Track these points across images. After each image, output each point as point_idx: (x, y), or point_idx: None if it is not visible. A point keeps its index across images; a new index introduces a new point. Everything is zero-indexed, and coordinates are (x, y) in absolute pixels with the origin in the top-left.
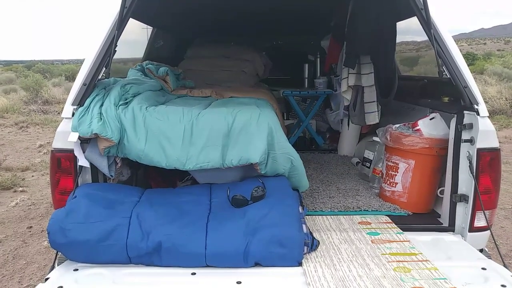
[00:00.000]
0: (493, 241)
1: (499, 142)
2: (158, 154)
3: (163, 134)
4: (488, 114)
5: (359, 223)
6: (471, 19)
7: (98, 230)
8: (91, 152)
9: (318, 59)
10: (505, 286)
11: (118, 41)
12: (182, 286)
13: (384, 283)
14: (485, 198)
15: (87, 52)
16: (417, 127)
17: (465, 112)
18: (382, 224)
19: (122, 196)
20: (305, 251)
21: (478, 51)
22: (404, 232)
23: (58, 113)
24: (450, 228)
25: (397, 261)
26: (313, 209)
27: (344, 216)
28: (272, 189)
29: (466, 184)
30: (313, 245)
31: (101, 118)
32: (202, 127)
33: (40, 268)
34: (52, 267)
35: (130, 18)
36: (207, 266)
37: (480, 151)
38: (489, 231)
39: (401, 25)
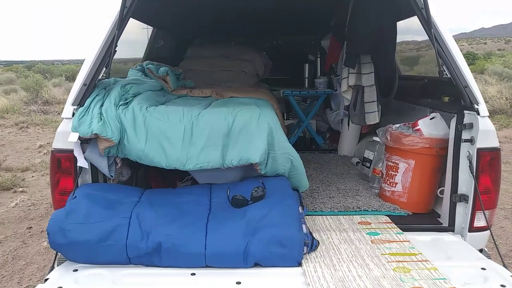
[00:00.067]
0: (492, 241)
1: (499, 142)
2: (158, 154)
3: (163, 134)
4: (488, 114)
5: (359, 223)
6: (471, 18)
7: (98, 231)
8: (91, 152)
9: (319, 58)
10: (504, 286)
11: (119, 41)
12: (182, 286)
13: (383, 283)
14: (485, 198)
15: (87, 52)
16: (417, 127)
17: (465, 111)
18: (382, 224)
19: (122, 197)
20: (305, 251)
21: (479, 51)
22: (404, 232)
23: (58, 113)
24: (450, 228)
25: (396, 261)
26: (313, 209)
27: (344, 216)
28: (272, 189)
29: (466, 184)
30: (313, 245)
31: (101, 118)
32: (202, 127)
33: (39, 269)
34: (52, 268)
35: (130, 18)
36: (207, 266)
37: (480, 151)
38: (488, 231)
39: (401, 24)
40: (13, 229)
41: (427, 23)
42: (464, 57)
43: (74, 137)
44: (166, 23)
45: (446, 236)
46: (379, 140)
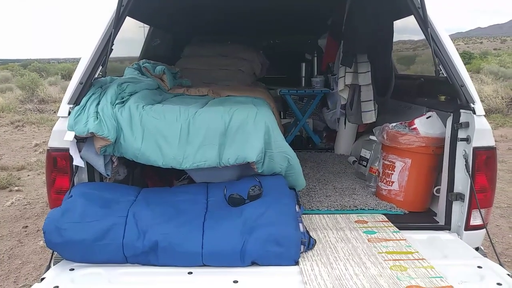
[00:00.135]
0: (489, 240)
1: (495, 141)
2: (155, 153)
3: (159, 133)
4: (484, 113)
5: (355, 221)
6: (467, 18)
7: (94, 230)
8: (87, 151)
9: (315, 58)
10: (500, 284)
11: (115, 39)
12: (179, 285)
13: (380, 281)
14: (481, 197)
15: (84, 50)
16: (414, 126)
17: (461, 111)
18: (378, 223)
19: (119, 195)
20: (302, 250)
21: (475, 50)
22: (400, 231)
23: (54, 112)
24: (446, 226)
25: (393, 260)
26: (309, 208)
27: (341, 215)
28: (269, 188)
29: (462, 183)
30: (309, 244)
31: (97, 117)
32: (198, 126)
33: (35, 268)
34: (48, 267)
35: (127, 17)
36: (204, 265)
37: (476, 149)
38: (485, 229)
39: (398, 24)
40: (9, 228)
41: (424, 23)
42: (460, 57)
43: (70, 136)
44: (162, 22)
45: (443, 235)
46: (376, 139)
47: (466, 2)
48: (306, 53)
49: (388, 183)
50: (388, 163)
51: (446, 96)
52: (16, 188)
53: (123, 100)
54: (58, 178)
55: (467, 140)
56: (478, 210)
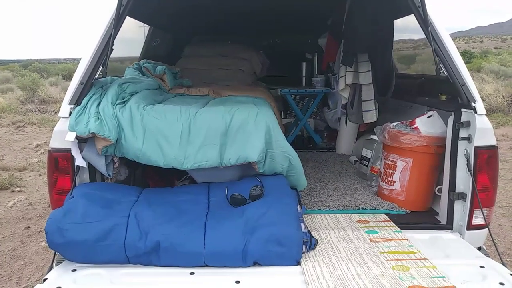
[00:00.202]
0: (491, 239)
1: (496, 140)
2: (156, 153)
3: (160, 133)
4: (485, 112)
5: (357, 221)
6: (468, 17)
7: (96, 230)
8: (88, 151)
9: (316, 57)
10: (503, 284)
11: (115, 39)
12: (181, 285)
13: (382, 281)
14: (483, 196)
15: (84, 51)
16: (415, 125)
17: (462, 110)
18: (380, 223)
19: (120, 196)
20: (304, 250)
21: (475, 49)
22: (402, 231)
23: (55, 112)
24: (448, 226)
25: (395, 260)
26: (311, 207)
27: (343, 215)
28: (270, 188)
29: (463, 182)
30: (311, 243)
31: (98, 117)
32: (199, 126)
33: (38, 269)
34: (50, 268)
35: (127, 17)
36: (206, 265)
37: (477, 149)
38: (487, 229)
39: (398, 23)
40: (11, 229)
41: (424, 22)
42: (461, 56)
43: (71, 136)
44: (163, 22)
45: (445, 234)
46: (377, 139)
47: (466, 1)
48: (307, 52)
49: (389, 182)
50: (390, 162)
51: (447, 95)
52: (18, 188)
53: (124, 100)
54: (59, 179)
55: (469, 139)
56: (480, 209)
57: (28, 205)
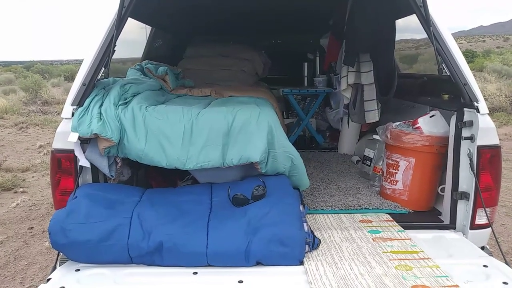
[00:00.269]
0: (494, 239)
1: (499, 140)
2: (158, 154)
3: (163, 134)
4: (488, 111)
5: (360, 221)
6: (470, 16)
7: (99, 230)
8: (91, 152)
9: (318, 57)
10: (507, 283)
11: (117, 41)
12: (184, 285)
13: (385, 281)
14: (486, 196)
15: (86, 52)
16: (417, 125)
17: (465, 109)
18: (383, 222)
19: (123, 196)
20: (306, 249)
21: (477, 49)
22: (405, 230)
23: (58, 113)
24: (451, 225)
25: (398, 259)
26: (314, 207)
27: (345, 215)
28: (273, 188)
29: (466, 182)
30: (314, 243)
31: (100, 118)
32: (202, 126)
33: (41, 269)
34: (54, 268)
35: (129, 18)
36: (209, 265)
37: (480, 148)
38: (490, 228)
39: (400, 22)
40: (14, 230)
41: (426, 21)
42: (463, 55)
43: (74, 137)
44: (164, 23)
45: (448, 234)
46: (379, 138)
47: (468, 0)
48: (308, 52)
49: (392, 182)
50: (392, 162)
51: (450, 95)
52: (21, 189)
53: (126, 101)
54: (62, 179)
55: (471, 138)
56: (483, 209)
57: (31, 206)
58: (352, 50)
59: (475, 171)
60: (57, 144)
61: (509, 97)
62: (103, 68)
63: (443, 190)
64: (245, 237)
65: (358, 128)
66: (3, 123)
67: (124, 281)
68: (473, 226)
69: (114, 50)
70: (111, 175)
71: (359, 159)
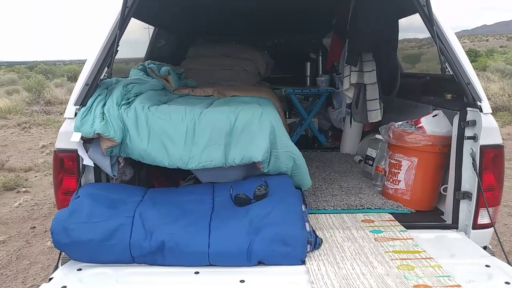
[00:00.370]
0: (496, 238)
1: (502, 139)
2: (161, 154)
3: (165, 134)
4: (491, 111)
5: (362, 221)
6: (473, 15)
7: (101, 230)
8: (93, 152)
9: (320, 57)
10: (509, 283)
11: (120, 41)
12: (186, 285)
13: (387, 281)
14: (489, 195)
15: (89, 52)
16: (420, 125)
17: (468, 109)
18: (385, 222)
19: (125, 196)
20: (308, 249)
21: (481, 48)
22: (407, 230)
23: (61, 113)
24: (454, 225)
25: (400, 259)
26: (316, 207)
27: (347, 214)
28: (275, 188)
29: (469, 181)
30: (316, 243)
31: (103, 118)
32: (204, 126)
33: (43, 268)
34: (56, 267)
35: (132, 18)
36: (211, 265)
37: (483, 148)
38: (492, 228)
39: (403, 22)
40: (16, 229)
41: (429, 21)
42: (466, 54)
43: (76, 137)
44: (167, 23)
45: (450, 234)
46: (382, 138)
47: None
48: (311, 52)
49: (394, 182)
50: (395, 162)
51: (453, 94)
52: (24, 189)
53: (128, 101)
54: (65, 179)
55: (474, 138)
56: (485, 208)
57: (33, 205)
58: (354, 50)
59: (478, 171)
60: (60, 144)
61: None
62: (106, 68)
63: (445, 189)
64: (247, 236)
65: (361, 127)
66: (6, 123)
67: (126, 281)
68: (476, 226)
69: (117, 50)
70: (114, 175)
71: (362, 158)
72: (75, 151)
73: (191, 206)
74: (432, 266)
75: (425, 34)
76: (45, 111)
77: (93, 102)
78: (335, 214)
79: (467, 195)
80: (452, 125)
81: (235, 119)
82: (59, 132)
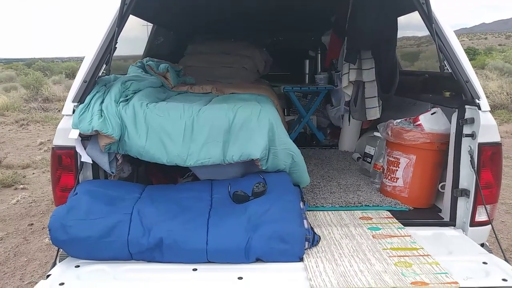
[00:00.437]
0: (494, 236)
1: (500, 137)
2: (159, 151)
3: (163, 131)
4: (489, 109)
5: (360, 218)
6: (472, 13)
7: (99, 227)
8: (92, 149)
9: (319, 54)
10: (506, 280)
11: (118, 38)
12: (184, 282)
13: (385, 278)
14: (486, 193)
15: (88, 49)
16: (418, 122)
17: (466, 106)
18: (383, 219)
19: (123, 193)
20: (306, 246)
21: (479, 46)
22: (405, 227)
23: (59, 110)
24: (451, 222)
25: (398, 256)
26: (314, 204)
27: (345, 212)
28: (273, 185)
29: (467, 179)
30: (314, 240)
31: (101, 115)
32: (202, 123)
33: (41, 265)
34: (54, 264)
35: (130, 15)
36: (209, 262)
37: (481, 145)
38: (490, 225)
39: (402, 19)
40: (14, 226)
41: (428, 18)
42: (465, 52)
43: (74, 134)
44: (166, 20)
45: (448, 231)
46: (380, 136)
47: None
48: (310, 50)
49: (392, 179)
50: (393, 159)
51: (451, 92)
52: (22, 186)
53: (127, 98)
54: (63, 176)
55: (472, 136)
56: (483, 206)
57: (31, 202)
58: (353, 47)
59: (475, 168)
60: (58, 141)
61: (510, 94)
62: (104, 65)
63: (443, 187)
64: (245, 233)
65: (359, 125)
66: (4, 120)
67: (124, 278)
68: (473, 223)
69: (116, 47)
70: (112, 172)
71: (360, 156)
72: (73, 148)
73: (189, 203)
74: (430, 263)
75: (424, 32)
76: (43, 108)
77: (91, 99)
78: (333, 212)
79: (465, 193)
80: (450, 122)
81: (233, 117)
82: (57, 129)
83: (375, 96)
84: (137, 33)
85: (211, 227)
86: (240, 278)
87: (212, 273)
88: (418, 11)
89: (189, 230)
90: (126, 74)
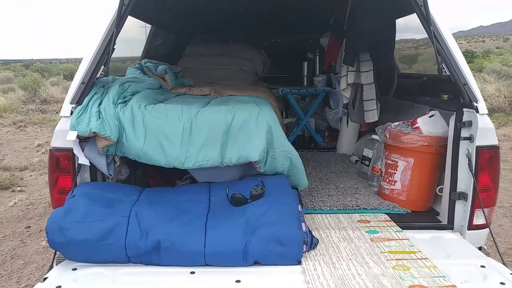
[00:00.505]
0: (492, 239)
1: (498, 140)
2: (157, 153)
3: (162, 133)
4: (487, 112)
5: (358, 221)
6: (470, 16)
7: (97, 229)
8: (89, 151)
9: (317, 57)
10: (504, 283)
11: (117, 39)
12: (181, 285)
13: (383, 281)
14: (484, 196)
15: (86, 50)
16: (416, 125)
17: (464, 109)
18: (381, 222)
19: (121, 195)
20: (304, 249)
21: (477, 49)
22: (403, 230)
23: (57, 112)
24: (449, 226)
25: (396, 259)
26: (312, 207)
27: (343, 215)
28: (271, 188)
29: (465, 182)
30: (312, 243)
31: (99, 117)
32: (201, 125)
33: (38, 268)
34: (51, 267)
35: (129, 16)
36: (206, 265)
37: (479, 148)
38: (488, 229)
39: (400, 22)
40: (11, 229)
41: (427, 21)
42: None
43: (72, 135)
44: (164, 21)
45: (445, 234)
46: (378, 138)
47: (468, 0)
48: (308, 52)
49: (390, 182)
50: (391, 162)
51: (449, 95)
52: (19, 188)
53: (125, 99)
54: (60, 178)
55: (470, 139)
56: (481, 209)
57: (28, 205)
58: (352, 49)
59: (473, 172)
60: (56, 143)
61: (508, 97)
62: (102, 67)
63: (441, 190)
64: (243, 236)
65: (357, 128)
66: (2, 121)
67: (122, 281)
68: (471, 227)
69: (114, 49)
70: (109, 174)
71: (358, 159)
72: (71, 150)
73: (187, 205)
74: (428, 267)
75: (422, 34)
76: (41, 110)
77: (89, 101)
78: (331, 214)
79: (463, 196)
80: (448, 125)
81: (232, 119)
82: (55, 131)
83: (373, 99)
84: (135, 34)
85: (209, 229)
86: (238, 281)
87: (209, 276)
88: (417, 13)
89: (187, 233)
90: (124, 75)
